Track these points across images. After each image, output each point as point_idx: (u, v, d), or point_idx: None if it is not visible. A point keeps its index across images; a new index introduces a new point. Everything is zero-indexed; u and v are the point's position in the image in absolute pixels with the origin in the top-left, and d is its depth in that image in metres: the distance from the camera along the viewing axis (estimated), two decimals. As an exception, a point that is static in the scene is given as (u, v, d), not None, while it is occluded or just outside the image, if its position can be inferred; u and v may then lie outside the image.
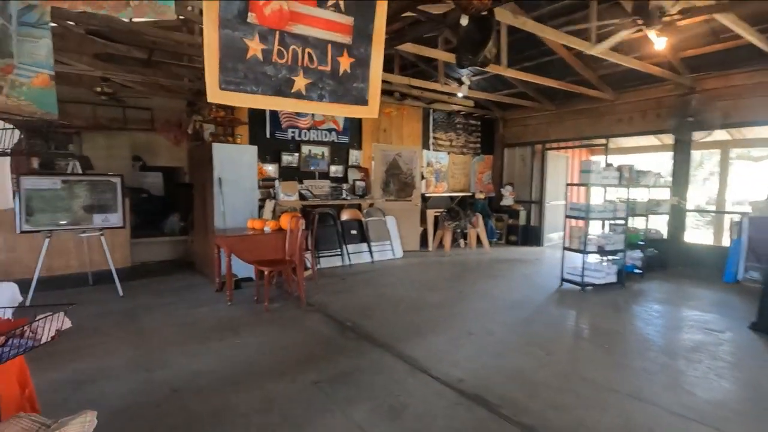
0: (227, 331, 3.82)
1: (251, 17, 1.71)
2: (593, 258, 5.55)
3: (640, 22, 3.33)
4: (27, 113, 2.74)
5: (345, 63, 1.96)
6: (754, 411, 2.62)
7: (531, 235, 9.00)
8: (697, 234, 9.07)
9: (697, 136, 6.67)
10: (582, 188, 7.95)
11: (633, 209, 5.86)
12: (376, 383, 2.88)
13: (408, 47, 4.88)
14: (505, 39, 5.52)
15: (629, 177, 5.57)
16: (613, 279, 5.45)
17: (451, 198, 9.10)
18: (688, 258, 6.65)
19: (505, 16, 4.13)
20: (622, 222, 5.65)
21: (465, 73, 5.97)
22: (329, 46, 1.91)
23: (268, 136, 6.83)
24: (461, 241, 8.42)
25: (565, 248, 5.58)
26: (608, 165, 5.73)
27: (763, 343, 3.69)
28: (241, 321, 4.11)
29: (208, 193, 5.44)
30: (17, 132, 2.05)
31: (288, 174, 6.99)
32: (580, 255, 5.37)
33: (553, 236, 9.10)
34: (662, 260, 6.56)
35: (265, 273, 4.43)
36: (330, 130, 7.47)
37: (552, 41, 5.73)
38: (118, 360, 3.20)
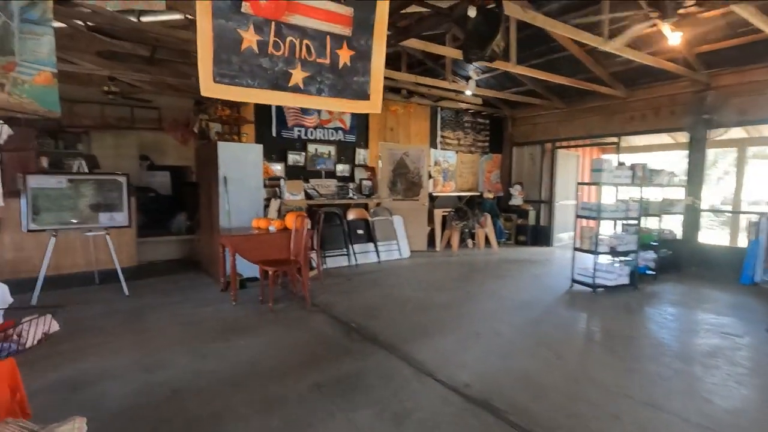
0: (230, 331, 3.78)
1: (245, 7, 1.64)
2: (605, 259, 5.42)
3: (654, 14, 3.21)
4: (29, 111, 2.72)
5: (345, 56, 1.88)
6: (776, 420, 2.50)
7: (540, 236, 8.85)
8: (712, 235, 8.84)
9: (713, 134, 6.50)
10: (593, 187, 7.83)
11: (646, 209, 5.70)
12: (380, 387, 2.81)
13: (415, 44, 4.80)
14: (514, 35, 5.41)
15: (642, 176, 5.43)
16: (625, 280, 5.31)
17: (459, 197, 9.00)
18: (702, 259, 6.47)
19: (514, 10, 4.03)
20: (635, 222, 5.51)
21: (472, 69, 5.85)
22: (328, 38, 1.84)
23: (274, 134, 6.80)
24: (469, 241, 8.31)
25: (575, 249, 5.45)
26: (620, 164, 5.58)
27: (783, 349, 3.55)
28: (245, 321, 4.06)
29: (214, 192, 5.41)
30: (6, 128, 2.00)
31: (294, 173, 6.95)
32: (591, 256, 5.24)
33: (563, 236, 8.95)
34: (676, 261, 6.39)
35: (270, 273, 4.38)
36: (337, 129, 7.41)
37: (562, 37, 5.60)
38: (120, 360, 3.17)
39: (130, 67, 5.34)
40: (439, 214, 8.14)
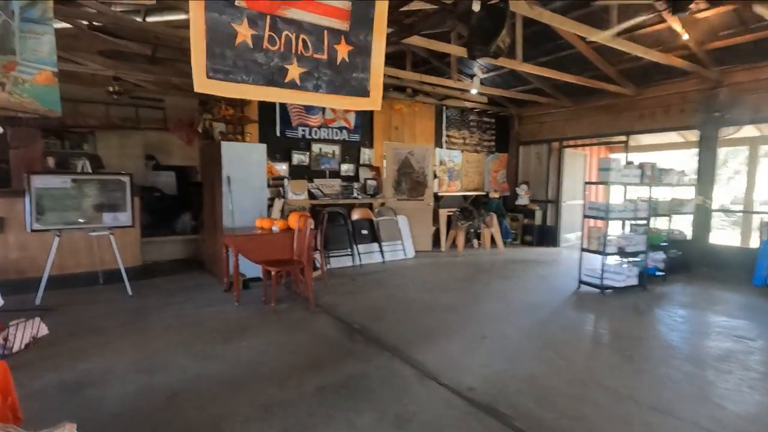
0: (232, 332, 3.74)
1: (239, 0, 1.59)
2: (613, 260, 5.32)
3: (663, 8, 3.13)
4: (30, 110, 2.70)
5: (343, 51, 1.83)
6: (792, 428, 2.41)
7: (547, 236, 8.75)
8: (723, 235, 8.68)
9: (724, 132, 6.37)
10: (601, 187, 7.71)
11: (655, 209, 5.60)
12: (383, 390, 2.76)
13: (420, 41, 4.74)
14: (521, 32, 5.33)
15: (651, 175, 5.32)
16: (633, 281, 5.21)
17: (465, 197, 8.92)
18: (713, 260, 6.34)
19: (520, 7, 3.95)
20: (644, 222, 5.41)
21: (477, 66, 5.76)
22: (325, 33, 1.79)
23: (278, 134, 6.78)
24: (475, 242, 8.23)
25: (583, 249, 5.36)
26: (629, 163, 5.48)
27: (798, 352, 3.44)
28: (248, 322, 4.03)
29: (217, 192, 5.40)
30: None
31: (299, 173, 6.92)
32: (598, 256, 5.15)
33: (570, 236, 8.84)
34: (686, 262, 6.27)
35: (273, 273, 4.35)
36: (341, 128, 7.37)
37: (569, 34, 5.51)
38: (120, 361, 3.14)
39: (135, 67, 5.34)
40: (444, 213, 8.07)
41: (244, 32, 1.61)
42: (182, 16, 4.60)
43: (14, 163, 6.43)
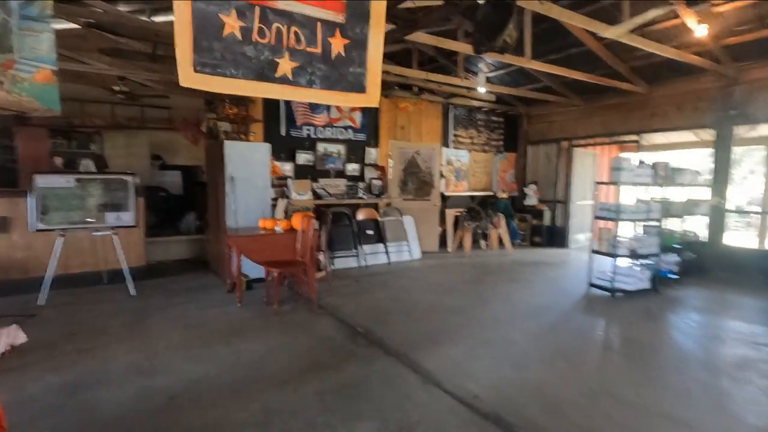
0: (234, 334, 3.69)
1: (227, -11, 1.51)
2: (624, 262, 5.18)
3: (676, 2, 2.99)
4: (28, 110, 2.65)
5: (338, 44, 1.74)
6: (817, 442, 2.28)
7: (556, 237, 8.59)
8: (739, 237, 8.45)
9: (740, 130, 6.18)
10: (612, 187, 7.54)
11: (668, 210, 5.44)
12: (384, 396, 2.67)
13: (426, 38, 4.65)
14: (530, 29, 5.20)
15: (665, 175, 5.18)
16: (646, 285, 5.07)
17: (472, 197, 8.79)
18: (729, 262, 6.15)
19: (529, 2, 3.84)
20: (657, 223, 5.25)
21: (483, 63, 5.62)
22: (319, 25, 1.70)
23: (283, 133, 6.72)
24: (482, 243, 8.11)
25: (593, 251, 5.22)
26: (641, 162, 5.33)
27: (820, 361, 3.29)
28: (249, 324, 3.97)
29: (221, 192, 5.35)
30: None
31: (304, 172, 6.86)
32: (609, 258, 5.01)
33: (580, 237, 8.67)
34: (700, 265, 6.09)
35: (275, 275, 4.28)
36: (346, 128, 7.30)
37: (580, 31, 5.37)
38: (119, 363, 3.10)
39: (139, 66, 5.31)
40: (451, 214, 7.96)
41: (232, 23, 1.53)
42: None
43: (22, 164, 6.48)
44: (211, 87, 1.57)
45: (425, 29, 4.30)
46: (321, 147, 7.06)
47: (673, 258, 5.64)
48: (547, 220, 8.69)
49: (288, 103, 6.65)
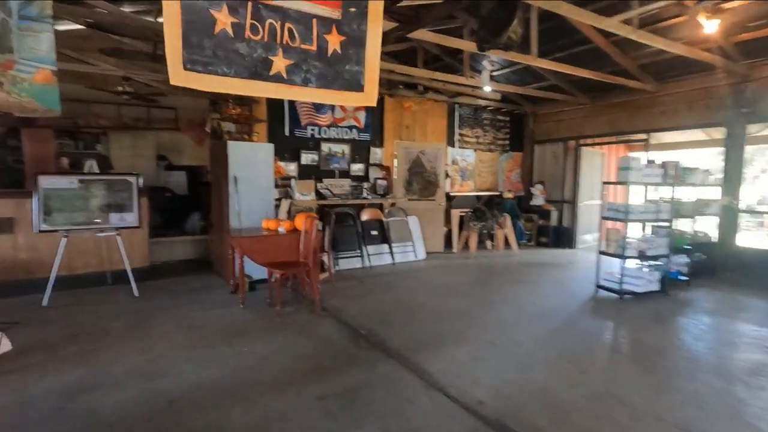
0: (235, 336, 3.65)
1: (217, -16, 1.46)
2: (633, 263, 5.08)
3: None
4: (28, 111, 2.63)
5: (334, 41, 1.68)
6: (835, 453, 2.20)
7: (563, 237, 8.48)
8: (751, 237, 8.28)
9: (752, 129, 6.05)
10: (620, 187, 7.43)
11: (678, 210, 5.33)
12: (386, 401, 2.62)
13: (430, 36, 4.58)
14: (536, 27, 5.11)
15: (674, 175, 5.07)
16: (655, 287, 4.97)
17: (478, 197, 8.71)
18: (740, 264, 6.01)
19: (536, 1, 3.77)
20: (666, 224, 5.15)
21: (487, 61, 5.53)
22: (314, 21, 1.64)
23: (287, 133, 6.69)
24: (488, 243, 8.03)
25: (601, 252, 5.13)
26: (650, 162, 5.23)
27: (838, 366, 3.19)
28: (251, 326, 3.94)
29: (224, 192, 5.33)
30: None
31: (308, 172, 6.83)
32: (617, 260, 4.92)
33: (587, 238, 8.56)
34: (711, 266, 5.97)
35: (277, 276, 4.25)
36: (351, 128, 7.26)
37: (587, 28, 5.28)
38: (121, 366, 3.07)
39: (143, 67, 5.30)
40: (456, 214, 7.89)
41: (223, 20, 1.48)
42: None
43: (29, 164, 6.52)
44: (202, 86, 1.53)
45: (428, 27, 4.23)
46: (325, 147, 7.02)
47: (683, 259, 5.53)
48: (553, 220, 8.58)
49: (292, 102, 6.62)
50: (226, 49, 1.52)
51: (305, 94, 1.71)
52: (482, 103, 8.45)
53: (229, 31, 1.51)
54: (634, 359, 3.36)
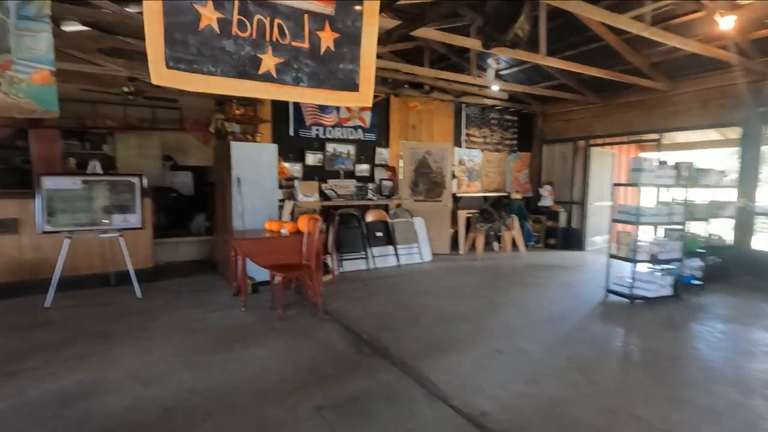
0: (235, 340, 3.59)
1: (201, -23, 1.38)
2: (644, 267, 4.93)
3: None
4: (26, 112, 2.58)
5: (327, 38, 1.59)
6: None
7: (572, 239, 8.31)
8: (767, 240, 8.04)
9: (770, 128, 5.85)
10: (630, 189, 7.25)
11: (691, 212, 5.17)
12: (387, 413, 2.53)
13: (435, 35, 4.48)
14: (545, 25, 4.99)
15: (688, 176, 4.91)
16: (667, 291, 4.81)
17: (485, 198, 8.58)
18: (756, 268, 5.82)
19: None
20: (679, 227, 4.99)
21: (492, 59, 5.38)
22: (306, 17, 1.55)
23: (291, 134, 6.63)
24: (495, 245, 7.90)
25: (611, 256, 4.98)
26: (662, 162, 5.07)
27: None
28: (252, 329, 3.88)
29: (228, 193, 5.28)
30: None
31: (313, 173, 6.76)
32: (628, 263, 4.77)
33: (597, 240, 8.38)
34: (726, 270, 5.78)
35: (279, 279, 4.18)
36: (356, 128, 7.18)
37: (598, 25, 5.14)
38: (118, 371, 3.03)
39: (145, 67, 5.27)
40: (463, 215, 7.77)
41: (209, 15, 1.40)
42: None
43: (37, 165, 6.54)
44: (186, 85, 1.45)
45: (433, 24, 4.13)
46: (330, 147, 6.95)
47: (696, 263, 5.36)
48: (562, 221, 8.42)
49: (297, 103, 6.56)
50: (211, 47, 1.44)
51: (296, 94, 1.62)
52: (489, 102, 8.31)
53: (215, 27, 1.43)
54: (645, 369, 3.23)
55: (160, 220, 7.00)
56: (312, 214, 5.36)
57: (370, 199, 6.97)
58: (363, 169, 7.29)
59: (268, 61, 1.53)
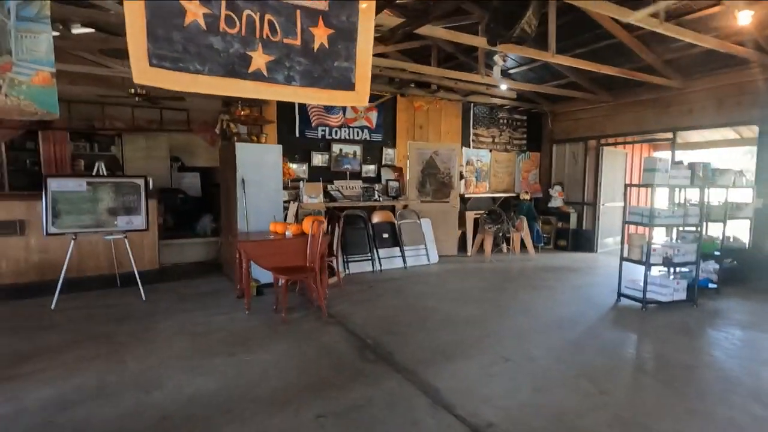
0: (238, 344, 3.54)
1: (186, -30, 1.31)
2: (658, 270, 4.78)
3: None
4: (27, 114, 2.55)
5: (321, 35, 1.52)
6: None
7: (583, 240, 8.15)
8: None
9: (789, 127, 5.66)
10: (643, 189, 7.08)
11: (707, 214, 5.00)
12: (389, 421, 2.46)
13: (441, 33, 4.39)
14: (554, 22, 4.87)
15: (703, 176, 4.75)
16: (682, 296, 4.66)
17: (494, 199, 8.45)
18: (775, 271, 5.63)
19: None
20: (694, 229, 4.83)
21: (498, 56, 5.23)
22: (298, 13, 1.48)
23: (297, 134, 6.60)
24: (504, 246, 7.77)
25: (623, 259, 4.84)
26: (677, 162, 4.92)
27: None
28: (255, 333, 3.83)
29: (233, 195, 5.25)
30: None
31: (319, 174, 6.71)
32: (641, 266, 4.63)
33: (609, 241, 8.21)
34: (743, 273, 5.61)
35: (282, 281, 4.13)
36: (362, 128, 7.11)
37: (609, 21, 5.00)
38: (118, 375, 2.99)
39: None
40: (471, 216, 7.66)
41: (194, 10, 1.34)
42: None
43: (46, 166, 6.60)
44: (171, 84, 1.39)
45: (438, 22, 4.04)
46: (336, 148, 6.90)
47: (712, 266, 5.20)
48: (573, 222, 8.26)
49: (302, 103, 6.51)
50: (198, 44, 1.37)
51: (288, 94, 1.55)
52: (498, 101, 8.19)
53: (201, 23, 1.36)
54: (660, 378, 3.10)
55: (167, 222, 7.01)
56: (317, 215, 5.30)
57: (376, 200, 6.90)
58: (369, 169, 7.23)
59: (259, 59, 1.46)
